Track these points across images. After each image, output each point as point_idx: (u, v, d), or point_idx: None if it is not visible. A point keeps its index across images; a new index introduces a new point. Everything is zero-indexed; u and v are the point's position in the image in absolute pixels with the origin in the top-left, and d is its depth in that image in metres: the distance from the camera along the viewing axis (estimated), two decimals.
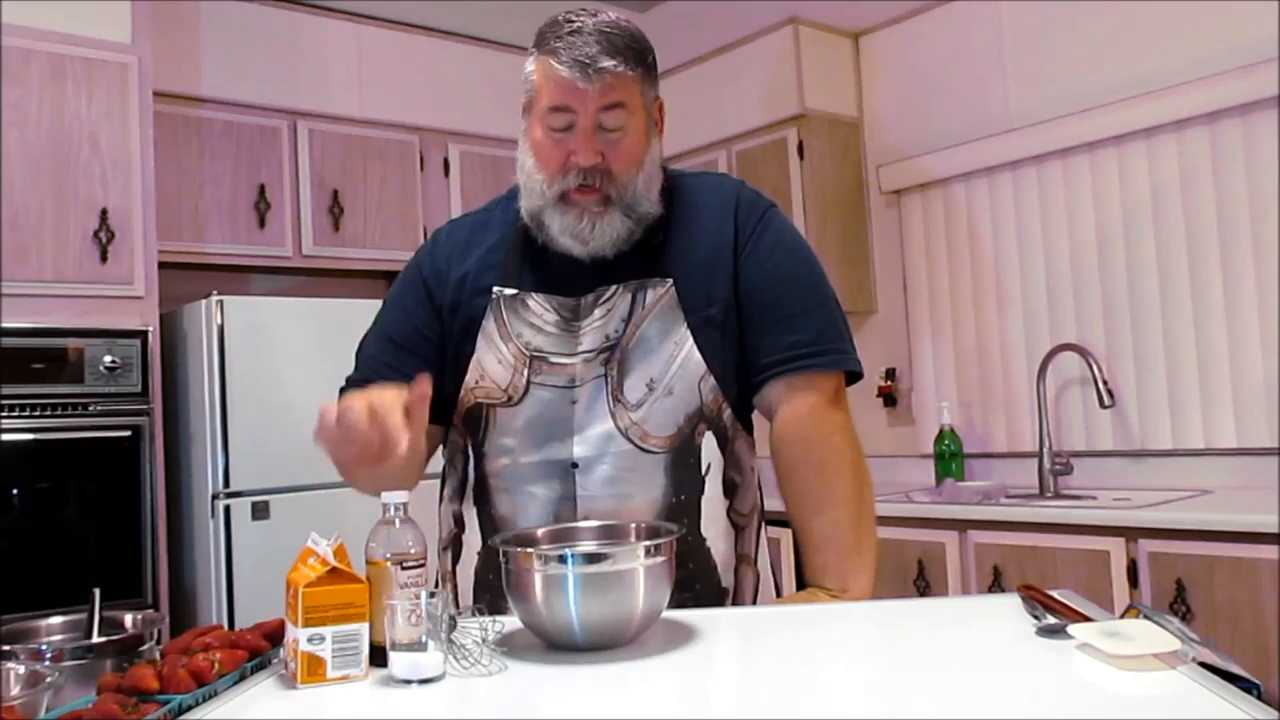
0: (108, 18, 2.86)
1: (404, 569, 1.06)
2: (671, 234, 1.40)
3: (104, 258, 2.78)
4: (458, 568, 1.45)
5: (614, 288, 1.37)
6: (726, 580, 1.38)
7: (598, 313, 1.37)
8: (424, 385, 1.15)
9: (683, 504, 1.35)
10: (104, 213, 2.79)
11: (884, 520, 2.87)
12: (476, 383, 1.39)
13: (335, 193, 3.49)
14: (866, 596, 1.33)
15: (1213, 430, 2.80)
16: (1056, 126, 3.09)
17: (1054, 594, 1.16)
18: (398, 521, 1.08)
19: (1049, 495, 2.96)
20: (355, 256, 3.55)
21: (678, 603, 1.19)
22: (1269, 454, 2.68)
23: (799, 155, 3.49)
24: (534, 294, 1.38)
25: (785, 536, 2.47)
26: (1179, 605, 2.28)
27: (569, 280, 1.38)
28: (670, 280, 1.36)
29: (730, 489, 1.40)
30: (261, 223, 3.35)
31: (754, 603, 1.43)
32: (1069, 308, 3.11)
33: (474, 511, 1.42)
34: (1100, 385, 2.88)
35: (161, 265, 2.93)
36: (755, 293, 1.39)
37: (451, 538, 1.46)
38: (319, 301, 3.15)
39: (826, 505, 1.36)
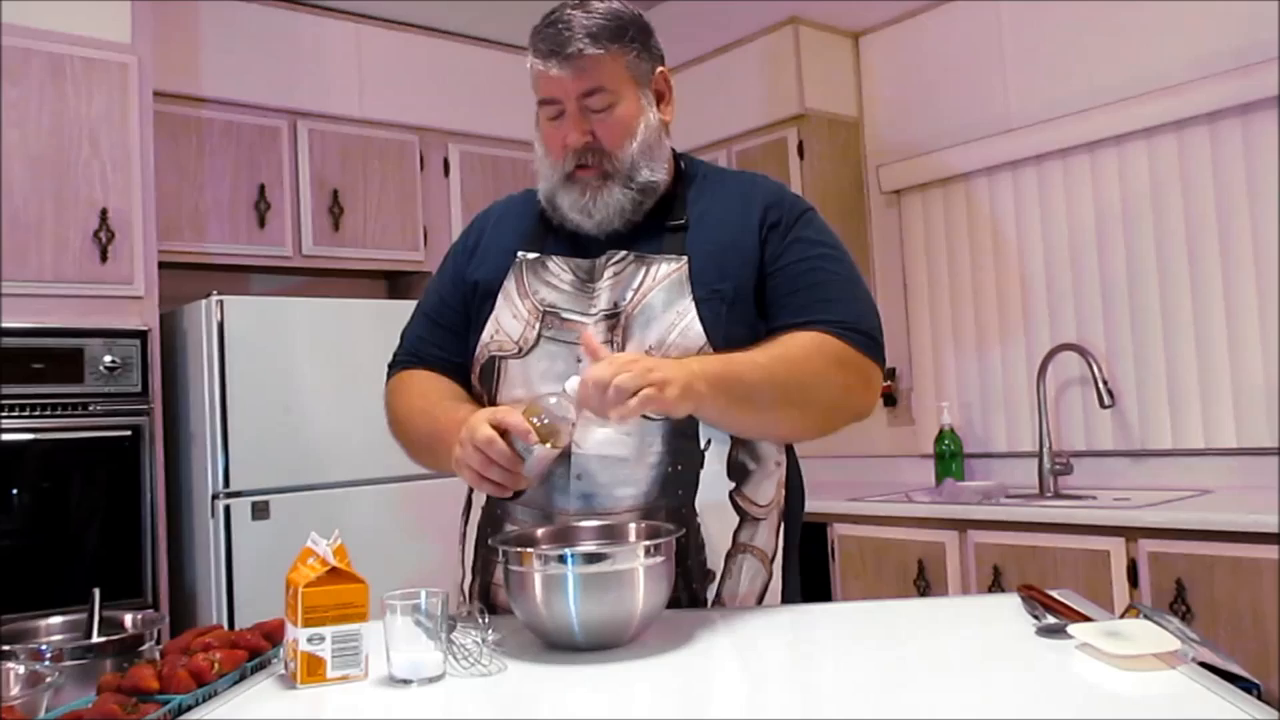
0: (108, 18, 2.86)
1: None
2: (696, 218, 1.43)
3: (104, 258, 2.78)
4: (467, 529, 1.48)
5: (624, 253, 1.40)
6: (714, 563, 1.37)
7: (609, 273, 1.40)
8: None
9: (679, 474, 1.36)
10: (104, 213, 2.79)
11: (884, 520, 2.88)
12: (491, 337, 1.44)
13: (335, 193, 3.49)
14: (679, 387, 1.21)
15: (1213, 430, 2.80)
16: (1056, 126, 3.08)
17: (1054, 594, 1.16)
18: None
19: (1049, 495, 2.96)
20: (355, 256, 3.55)
21: None
22: (1269, 454, 2.68)
23: (799, 155, 3.48)
24: (554, 257, 1.44)
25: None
26: (1179, 605, 2.28)
27: (590, 250, 1.43)
28: (685, 258, 1.39)
29: (739, 472, 1.39)
30: (261, 223, 3.34)
31: (758, 599, 1.41)
32: (1069, 308, 3.10)
33: None
34: (1100, 385, 2.88)
35: (161, 265, 2.92)
36: (798, 274, 1.39)
37: (468, 500, 1.50)
38: (319, 301, 3.15)
39: (790, 353, 1.33)
